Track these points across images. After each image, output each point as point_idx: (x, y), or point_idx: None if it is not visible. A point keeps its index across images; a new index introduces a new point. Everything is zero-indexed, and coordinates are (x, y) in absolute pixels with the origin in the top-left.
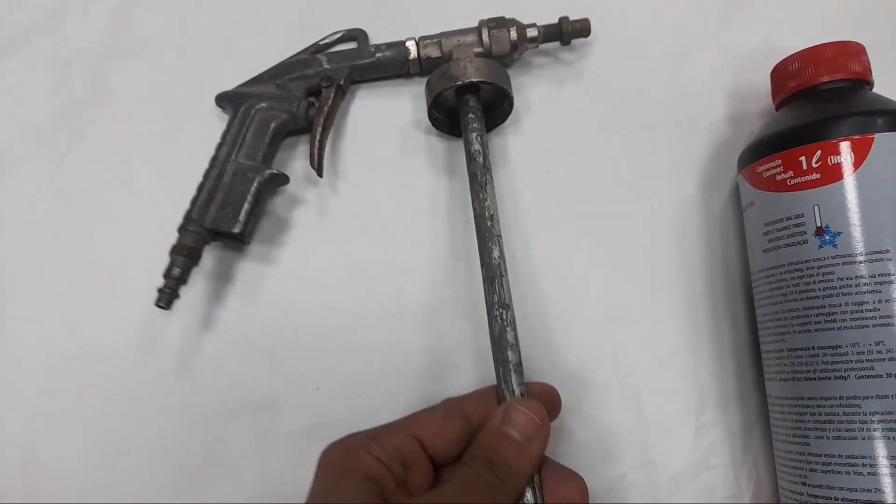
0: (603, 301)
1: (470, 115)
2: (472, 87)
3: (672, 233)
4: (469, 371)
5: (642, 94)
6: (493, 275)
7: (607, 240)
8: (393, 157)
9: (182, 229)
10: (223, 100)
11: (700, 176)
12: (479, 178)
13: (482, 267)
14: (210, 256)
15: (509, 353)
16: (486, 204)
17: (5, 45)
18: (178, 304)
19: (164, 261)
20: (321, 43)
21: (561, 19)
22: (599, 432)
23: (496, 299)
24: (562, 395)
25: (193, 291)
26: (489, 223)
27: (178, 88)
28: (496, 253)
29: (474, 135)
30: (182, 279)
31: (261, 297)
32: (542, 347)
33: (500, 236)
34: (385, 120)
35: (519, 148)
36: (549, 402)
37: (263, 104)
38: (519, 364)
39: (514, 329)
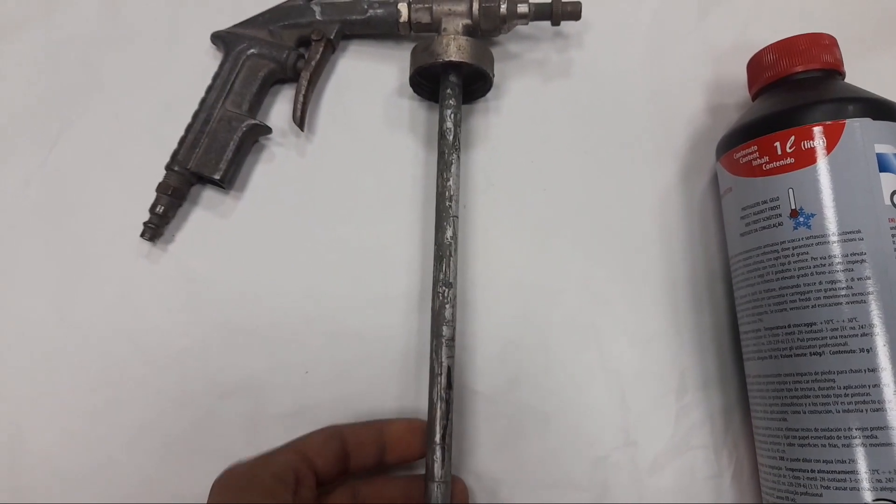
0: (584, 286)
1: (448, 91)
2: (454, 64)
3: (653, 220)
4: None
5: (623, 85)
6: (443, 254)
7: (588, 225)
8: (375, 120)
9: (168, 168)
10: (217, 38)
11: (680, 165)
12: (447, 156)
13: (435, 244)
14: (194, 238)
15: (444, 328)
16: (448, 184)
17: None
18: (165, 289)
19: (153, 252)
20: None
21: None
22: (582, 415)
23: (441, 277)
24: (545, 377)
25: (179, 275)
26: (448, 203)
27: (169, 75)
28: (449, 233)
29: (449, 111)
30: (166, 216)
31: (246, 281)
32: (524, 332)
33: (457, 217)
34: (371, 81)
35: (500, 127)
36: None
37: (254, 50)
38: (451, 339)
39: (454, 306)
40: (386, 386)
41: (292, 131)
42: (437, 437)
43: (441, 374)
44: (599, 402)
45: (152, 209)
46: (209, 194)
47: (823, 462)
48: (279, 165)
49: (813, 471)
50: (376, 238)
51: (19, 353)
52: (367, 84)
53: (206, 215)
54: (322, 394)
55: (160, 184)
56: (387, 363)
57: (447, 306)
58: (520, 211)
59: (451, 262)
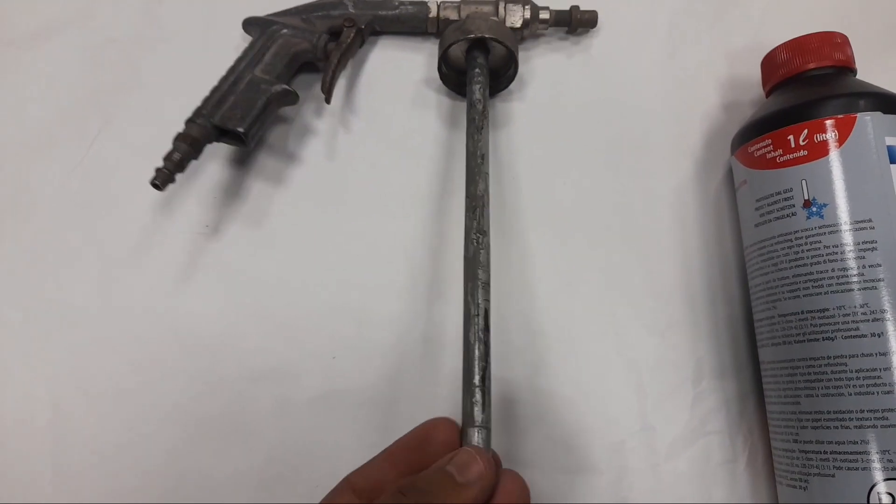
0: (603, 276)
1: (476, 70)
2: (482, 46)
3: (669, 213)
4: None
5: (641, 84)
6: (476, 204)
7: (607, 218)
8: (403, 113)
9: (190, 121)
10: (250, 24)
11: (696, 160)
12: (477, 122)
13: (467, 197)
14: (231, 229)
15: (479, 271)
16: (478, 144)
17: (41, 34)
18: (200, 275)
19: (189, 242)
20: None
21: (572, 7)
22: (600, 400)
23: (475, 225)
24: (565, 364)
25: (216, 263)
26: (479, 160)
27: (204, 72)
28: (481, 186)
29: (478, 86)
30: (181, 165)
31: (278, 270)
32: (545, 320)
33: (488, 174)
34: (399, 75)
35: (519, 124)
36: (518, 487)
37: (287, 31)
38: (487, 283)
39: (488, 253)
40: (409, 371)
41: (322, 129)
42: (477, 380)
43: (479, 314)
44: (617, 389)
45: (168, 157)
46: (248, 189)
47: (836, 443)
48: (311, 157)
49: (826, 452)
50: (401, 228)
51: (62, 338)
52: (395, 78)
53: (244, 207)
54: (348, 379)
55: (179, 133)
56: (409, 349)
57: (482, 251)
58: (541, 203)
59: (485, 213)
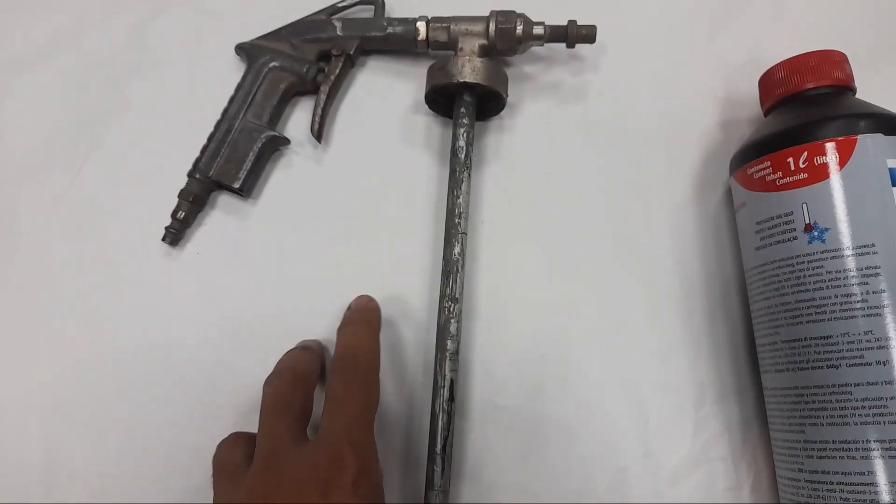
0: (602, 299)
1: (462, 110)
2: (468, 85)
3: (668, 233)
4: (473, 365)
5: (637, 102)
6: (450, 269)
7: (605, 239)
8: (391, 134)
9: (190, 176)
10: (241, 50)
11: (694, 180)
12: (458, 174)
13: (443, 260)
14: (216, 251)
15: (448, 342)
16: (458, 201)
17: (29, 59)
18: (186, 299)
19: (181, 266)
20: (339, 5)
21: (569, 22)
22: (601, 426)
23: (448, 292)
24: (563, 390)
25: (200, 286)
26: (457, 220)
27: (194, 95)
28: (457, 249)
29: (462, 130)
30: (187, 221)
31: (263, 292)
32: (544, 345)
33: (465, 234)
34: (388, 96)
35: (515, 144)
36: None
37: (276, 63)
38: (455, 353)
39: (459, 321)
40: (400, 399)
41: (310, 143)
42: (438, 448)
43: (444, 386)
44: (618, 414)
45: (174, 214)
46: (233, 205)
47: (842, 474)
48: (297, 177)
49: (832, 482)
50: (389, 251)
51: (50, 371)
52: (384, 98)
53: (228, 227)
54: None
55: (182, 190)
56: (401, 377)
57: (452, 321)
58: (539, 226)
59: (458, 278)
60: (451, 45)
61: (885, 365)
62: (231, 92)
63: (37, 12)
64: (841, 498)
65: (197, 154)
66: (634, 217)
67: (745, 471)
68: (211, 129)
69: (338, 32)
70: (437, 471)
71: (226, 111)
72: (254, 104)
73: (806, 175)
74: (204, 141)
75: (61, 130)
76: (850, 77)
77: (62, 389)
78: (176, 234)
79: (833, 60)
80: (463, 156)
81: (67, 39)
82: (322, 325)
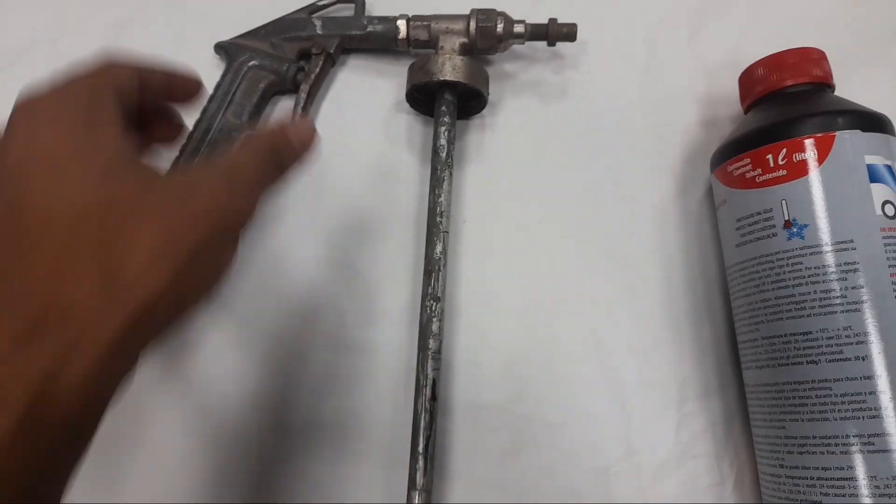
0: (584, 297)
1: (443, 109)
2: (449, 83)
3: (650, 231)
4: (456, 364)
5: (618, 100)
6: (432, 268)
7: (587, 237)
8: (373, 133)
9: None
10: (220, 49)
11: (675, 178)
12: (439, 173)
13: (424, 259)
14: None
15: (430, 341)
16: (439, 200)
17: (6, 59)
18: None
19: None
20: (319, 4)
21: (550, 20)
22: (584, 425)
23: (430, 291)
24: (547, 388)
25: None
26: (438, 219)
27: None
28: (439, 248)
29: (443, 129)
30: None
31: (247, 295)
32: (526, 344)
33: (447, 233)
34: (369, 95)
35: (497, 142)
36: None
37: (255, 62)
38: (437, 352)
39: (441, 320)
40: (383, 398)
41: None
42: (421, 448)
43: (426, 385)
44: (601, 413)
45: None
46: None
47: (822, 469)
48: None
49: (812, 478)
50: (371, 250)
51: None
52: (365, 97)
53: None
54: (323, 406)
55: None
56: (385, 376)
57: (434, 320)
58: (520, 224)
59: (440, 277)
60: (432, 43)
61: (863, 360)
62: (210, 91)
63: (15, 11)
64: (821, 493)
65: (176, 153)
66: (616, 215)
67: (727, 467)
68: (190, 128)
69: (318, 31)
70: (419, 469)
71: (205, 110)
72: (233, 103)
73: (785, 172)
74: (183, 140)
75: None
76: (829, 74)
77: None
78: None
79: (812, 58)
80: (444, 154)
81: (46, 39)
82: (300, 324)
